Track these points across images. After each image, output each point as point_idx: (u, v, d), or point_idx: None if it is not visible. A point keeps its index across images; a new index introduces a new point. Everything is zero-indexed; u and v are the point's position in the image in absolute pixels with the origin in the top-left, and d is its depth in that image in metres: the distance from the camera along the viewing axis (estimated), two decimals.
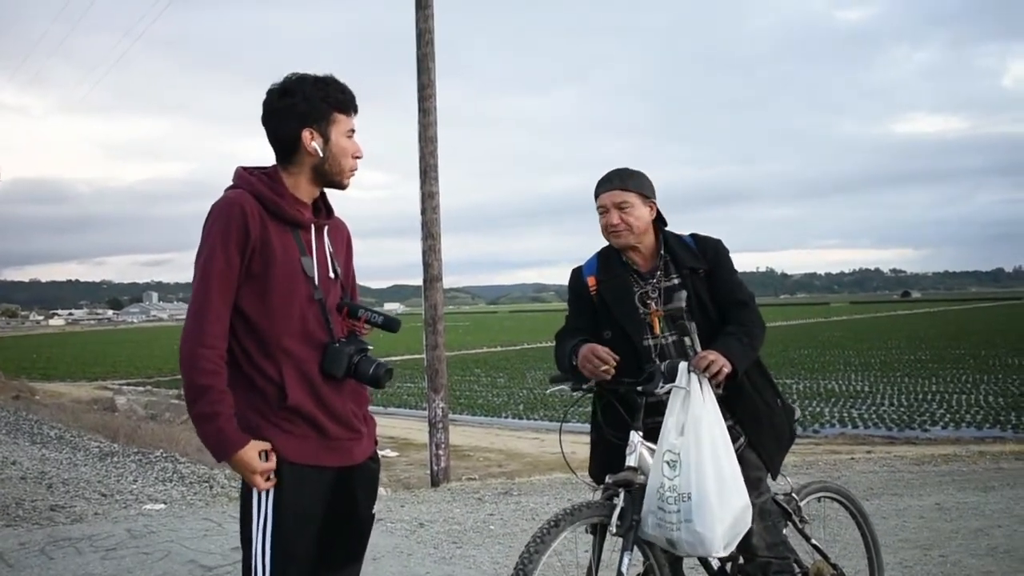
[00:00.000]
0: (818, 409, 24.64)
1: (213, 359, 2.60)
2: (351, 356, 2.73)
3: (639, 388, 3.18)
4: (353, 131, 2.82)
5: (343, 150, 2.78)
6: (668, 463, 3.01)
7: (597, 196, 3.43)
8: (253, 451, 2.59)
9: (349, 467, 2.82)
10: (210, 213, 2.69)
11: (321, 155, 2.76)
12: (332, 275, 2.84)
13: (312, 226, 2.80)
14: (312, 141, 2.74)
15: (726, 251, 3.49)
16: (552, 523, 2.95)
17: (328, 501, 2.77)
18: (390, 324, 2.88)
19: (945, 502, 6.98)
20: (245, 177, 2.76)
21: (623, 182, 3.38)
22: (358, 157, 2.84)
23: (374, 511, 2.97)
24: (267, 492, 2.64)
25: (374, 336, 2.90)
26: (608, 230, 3.40)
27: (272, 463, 2.63)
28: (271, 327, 2.68)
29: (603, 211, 3.39)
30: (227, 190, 2.76)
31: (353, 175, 2.86)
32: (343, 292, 2.90)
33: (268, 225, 2.68)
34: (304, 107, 2.74)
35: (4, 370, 39.82)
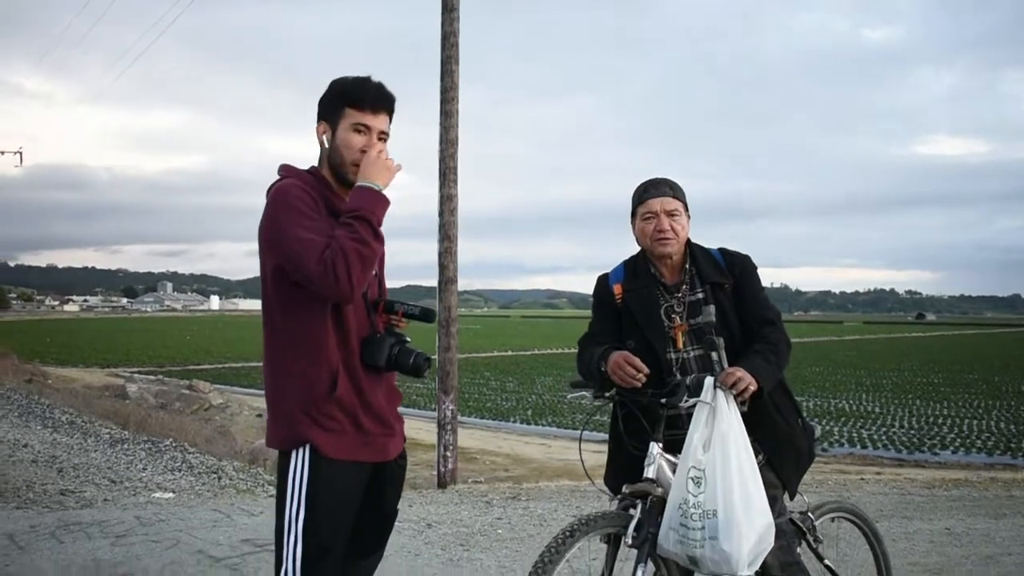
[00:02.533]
0: (828, 428, 24.49)
1: (328, 248, 2.58)
2: (392, 346, 2.79)
3: (663, 400, 3.17)
4: (365, 126, 2.81)
5: (345, 143, 2.82)
6: (693, 479, 2.98)
7: (642, 201, 3.38)
8: (386, 168, 2.77)
9: (382, 463, 2.87)
10: (279, 192, 2.73)
11: (326, 146, 2.84)
12: (372, 272, 2.88)
13: None
14: (322, 134, 2.84)
15: (754, 267, 3.47)
16: (568, 532, 2.94)
17: (361, 495, 2.82)
18: (427, 315, 2.96)
19: (955, 527, 6.93)
20: (295, 170, 2.85)
21: (673, 190, 3.37)
22: (364, 151, 2.83)
23: (398, 507, 3.05)
24: (301, 485, 2.69)
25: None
26: (655, 237, 3.35)
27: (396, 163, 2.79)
28: (321, 320, 2.71)
29: (650, 216, 3.35)
30: (278, 181, 2.82)
31: (357, 170, 2.85)
32: (379, 288, 2.96)
33: (328, 214, 2.74)
34: (323, 103, 2.85)
35: (18, 353, 40.02)
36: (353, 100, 2.81)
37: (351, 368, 2.75)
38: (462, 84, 10.13)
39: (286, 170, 2.85)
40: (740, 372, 3.08)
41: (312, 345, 2.70)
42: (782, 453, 3.34)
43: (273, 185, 2.80)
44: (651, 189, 3.38)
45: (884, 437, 23.67)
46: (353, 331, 2.76)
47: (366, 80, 2.84)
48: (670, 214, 3.34)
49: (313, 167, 2.88)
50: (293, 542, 2.67)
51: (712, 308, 3.27)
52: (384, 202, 2.72)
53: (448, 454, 9.82)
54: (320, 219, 2.68)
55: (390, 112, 2.88)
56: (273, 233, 2.68)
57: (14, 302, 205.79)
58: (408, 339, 2.86)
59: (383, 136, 2.86)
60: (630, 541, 3.03)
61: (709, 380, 3.09)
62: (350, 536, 2.81)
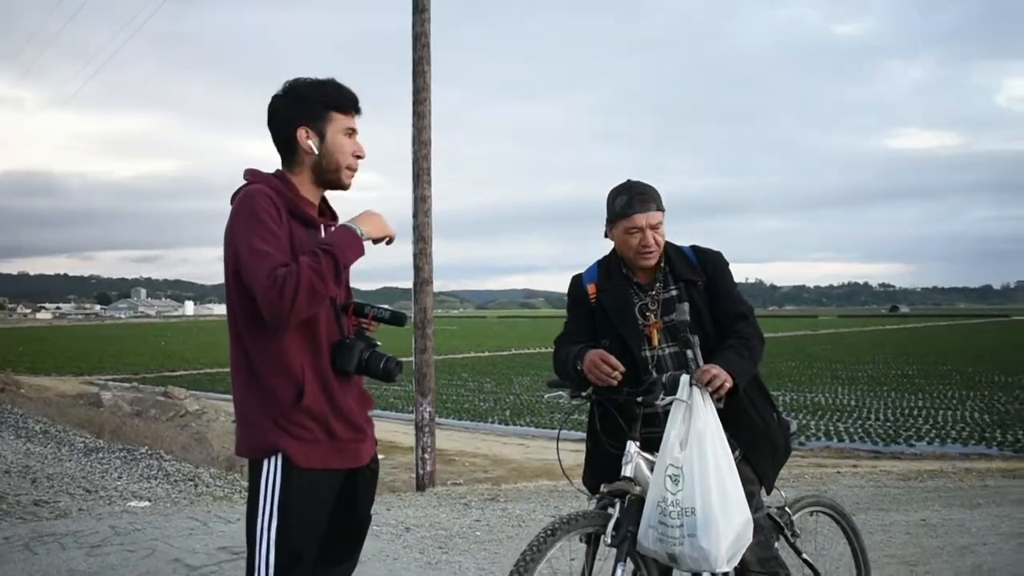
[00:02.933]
0: (804, 422, 24.68)
1: (287, 263, 2.56)
2: (361, 351, 2.76)
3: (639, 399, 3.17)
4: (353, 130, 2.83)
5: (339, 147, 2.80)
6: (671, 477, 2.98)
7: (627, 216, 3.32)
8: (371, 217, 2.75)
9: (355, 469, 2.84)
10: (244, 198, 2.68)
11: (316, 152, 2.78)
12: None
13: (321, 227, 2.82)
14: (308, 139, 2.77)
15: (726, 264, 3.47)
16: (548, 531, 2.94)
17: (334, 502, 2.79)
18: (397, 318, 2.91)
19: (931, 518, 6.98)
20: (261, 175, 2.79)
21: (656, 201, 3.34)
22: (359, 156, 2.85)
23: (371, 512, 3.00)
24: (274, 493, 2.65)
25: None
26: (639, 251, 3.34)
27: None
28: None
29: (636, 231, 3.31)
30: (241, 188, 2.76)
31: (353, 175, 2.87)
32: (347, 292, 2.92)
33: (290, 221, 2.70)
34: (299, 106, 2.78)
35: None
36: (338, 104, 2.80)
37: (321, 374, 2.71)
38: (435, 85, 10.11)
39: (252, 175, 2.80)
40: (715, 369, 3.08)
41: (276, 353, 2.65)
42: (758, 448, 3.35)
43: (239, 190, 2.76)
44: (636, 204, 3.31)
45: (860, 430, 23.89)
46: (322, 336, 2.72)
47: (340, 84, 2.83)
48: (654, 228, 3.33)
49: (279, 171, 2.83)
50: (265, 551, 2.64)
51: (686, 306, 3.26)
52: (359, 248, 2.69)
53: (426, 456, 9.79)
54: (281, 232, 2.63)
55: (360, 113, 2.90)
56: (233, 240, 2.64)
57: None
58: (378, 343, 2.82)
59: (357, 135, 2.88)
60: (609, 540, 3.03)
61: (685, 378, 3.09)
62: (323, 543, 2.79)
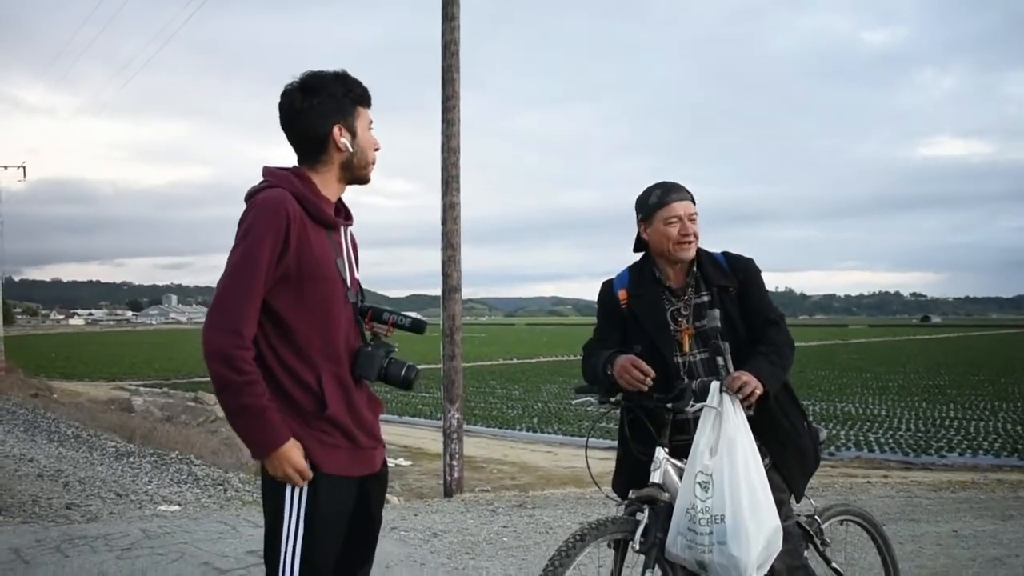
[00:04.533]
0: (834, 432, 24.46)
1: (251, 360, 2.54)
2: (382, 359, 2.73)
3: (669, 405, 3.16)
4: (372, 123, 2.84)
5: (368, 143, 2.81)
6: (700, 484, 2.97)
7: (664, 204, 3.35)
8: (296, 447, 2.57)
9: (369, 475, 2.82)
10: (250, 211, 2.62)
11: (351, 150, 2.76)
12: (356, 276, 2.85)
13: (341, 228, 2.81)
14: (341, 137, 2.74)
15: (758, 270, 3.46)
16: (577, 537, 2.93)
17: (352, 510, 2.77)
18: (418, 326, 2.87)
19: (962, 529, 6.91)
20: (284, 176, 2.72)
21: (690, 194, 3.39)
22: (377, 149, 2.85)
23: (382, 515, 2.97)
24: (299, 502, 2.61)
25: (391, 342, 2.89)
26: (679, 240, 3.34)
27: (310, 471, 2.60)
28: (308, 332, 2.65)
29: (674, 221, 3.33)
30: (264, 188, 2.70)
31: (373, 168, 2.86)
32: (360, 295, 2.88)
33: (307, 227, 2.65)
34: (331, 104, 2.73)
35: (23, 368, 40.09)
36: (363, 99, 2.80)
37: (342, 383, 2.68)
38: (463, 92, 10.14)
39: (271, 174, 2.74)
40: (746, 376, 3.07)
41: (294, 363, 2.63)
42: (788, 456, 3.33)
43: (257, 190, 2.70)
44: (672, 193, 3.36)
45: (891, 440, 23.64)
46: (341, 344, 2.69)
47: (356, 77, 2.81)
48: (691, 218, 3.35)
49: (296, 167, 2.77)
50: (290, 560, 2.60)
51: (717, 312, 3.26)
52: (253, 446, 2.59)
53: (454, 463, 9.81)
54: (271, 258, 2.56)
55: None
56: (233, 256, 2.60)
57: (19, 317, 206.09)
58: (396, 349, 2.79)
59: None
60: (637, 546, 3.02)
61: (715, 385, 3.07)
62: (342, 551, 2.75)
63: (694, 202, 3.39)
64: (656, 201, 3.37)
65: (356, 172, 2.81)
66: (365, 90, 2.82)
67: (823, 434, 3.58)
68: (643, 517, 3.05)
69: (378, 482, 2.89)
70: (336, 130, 2.73)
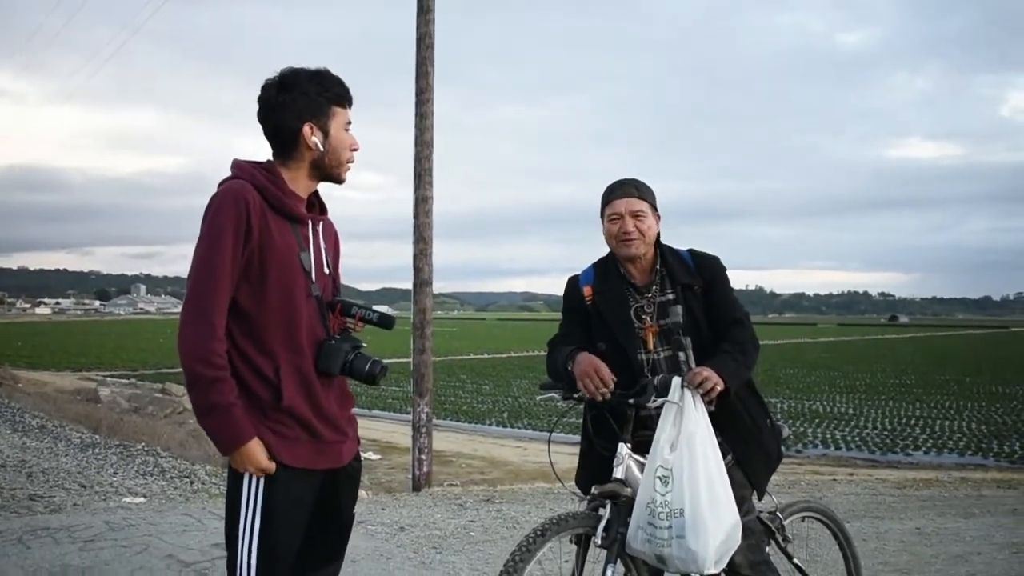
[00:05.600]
0: (801, 429, 24.66)
1: (223, 353, 2.57)
2: (346, 353, 2.73)
3: (631, 401, 3.17)
4: (350, 123, 2.83)
5: (342, 143, 2.79)
6: (660, 478, 2.98)
7: (608, 203, 3.38)
8: (259, 445, 2.59)
9: (335, 469, 2.81)
10: (212, 203, 2.64)
11: (322, 149, 2.76)
12: (326, 271, 2.84)
13: (309, 222, 2.79)
14: (312, 136, 2.74)
15: (723, 269, 3.47)
16: (538, 532, 2.94)
17: (314, 503, 2.76)
18: (385, 321, 2.88)
19: (926, 527, 6.99)
20: (247, 169, 2.73)
21: (638, 190, 3.37)
22: (355, 149, 2.85)
23: (354, 512, 2.97)
24: (257, 494, 2.62)
25: (361, 337, 2.89)
26: (620, 238, 3.35)
27: (273, 465, 2.62)
28: (269, 323, 2.65)
29: (615, 218, 3.35)
30: (226, 180, 2.73)
31: (350, 168, 2.86)
32: (333, 288, 2.89)
33: (269, 219, 2.66)
34: (303, 102, 2.74)
35: None
36: (339, 99, 2.79)
37: (301, 374, 2.68)
38: (438, 86, 10.11)
39: (238, 168, 2.74)
40: (707, 372, 3.08)
41: (251, 353, 2.64)
42: (750, 453, 3.35)
43: (222, 183, 2.72)
44: (616, 190, 3.38)
45: (857, 438, 23.84)
46: (303, 336, 2.69)
47: (334, 75, 2.80)
48: (635, 215, 3.33)
49: (269, 161, 2.79)
50: (247, 550, 2.61)
51: (679, 308, 3.27)
52: (220, 442, 2.61)
53: (423, 457, 9.79)
54: (236, 248, 2.58)
55: None
56: (198, 251, 2.62)
57: None
58: (363, 344, 2.79)
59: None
60: (599, 541, 3.03)
61: (676, 380, 3.09)
62: (307, 545, 2.76)
63: (644, 198, 3.36)
64: (603, 199, 3.42)
65: (327, 171, 2.81)
66: (344, 90, 2.81)
67: (786, 431, 3.61)
68: (605, 512, 3.07)
69: (347, 476, 2.88)
70: (307, 128, 2.74)
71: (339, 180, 2.86)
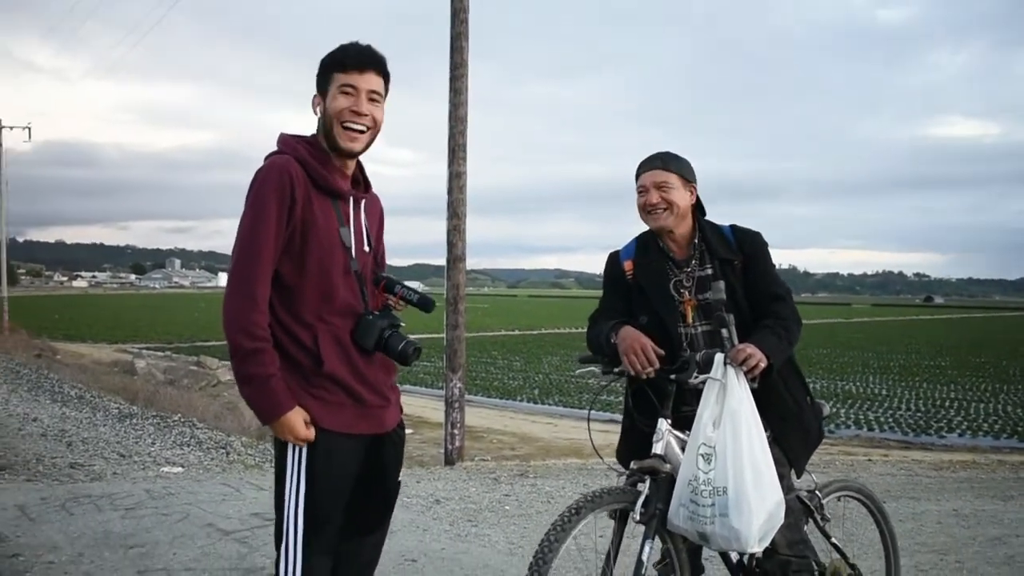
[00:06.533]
0: (835, 410, 24.51)
1: (265, 324, 2.61)
2: (383, 330, 2.75)
3: (672, 376, 3.15)
4: (352, 86, 2.73)
5: (332, 105, 2.74)
6: (703, 456, 2.96)
7: (638, 176, 3.37)
8: (299, 415, 2.63)
9: (380, 435, 2.85)
10: (256, 177, 2.68)
11: (318, 116, 2.78)
12: (367, 248, 2.84)
13: (351, 198, 2.81)
14: (316, 105, 2.79)
15: (764, 244, 3.43)
16: (575, 508, 2.92)
17: (359, 468, 2.80)
18: (425, 303, 2.89)
19: (963, 508, 6.94)
20: (291, 143, 2.76)
21: (664, 163, 3.33)
22: (356, 112, 2.73)
23: (399, 479, 3.01)
24: (300, 459, 2.67)
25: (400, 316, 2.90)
26: (646, 209, 3.34)
27: (313, 433, 2.65)
28: (307, 296, 2.69)
29: (642, 191, 3.34)
30: (272, 155, 2.76)
31: (353, 136, 2.76)
32: (376, 266, 2.91)
33: (311, 194, 2.69)
34: (318, 75, 2.79)
35: (27, 329, 40.23)
36: (338, 64, 2.74)
37: (340, 342, 2.72)
38: (472, 61, 10.08)
39: (283, 142, 2.78)
40: (751, 348, 3.05)
41: (289, 322, 2.68)
42: (789, 431, 3.32)
43: (268, 157, 2.77)
44: (645, 164, 3.37)
45: (891, 419, 23.70)
46: (342, 307, 2.72)
47: (350, 44, 2.77)
48: (659, 187, 3.30)
49: (313, 135, 2.81)
50: (293, 515, 2.66)
51: (721, 284, 3.25)
52: (260, 411, 2.64)
53: (455, 432, 9.84)
54: (280, 218, 2.62)
55: (381, 72, 2.78)
56: (243, 224, 2.66)
57: (23, 278, 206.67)
58: (402, 323, 2.81)
59: (374, 96, 2.76)
60: (638, 517, 3.01)
61: (719, 357, 3.06)
62: (353, 511, 2.80)
63: (670, 169, 3.32)
64: (635, 174, 3.40)
65: (329, 140, 2.77)
66: (345, 54, 2.75)
67: (826, 409, 3.58)
68: (644, 488, 3.05)
69: (392, 443, 2.92)
70: (315, 99, 2.79)
71: (338, 147, 2.76)
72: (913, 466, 9.78)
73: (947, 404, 26.69)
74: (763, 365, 3.05)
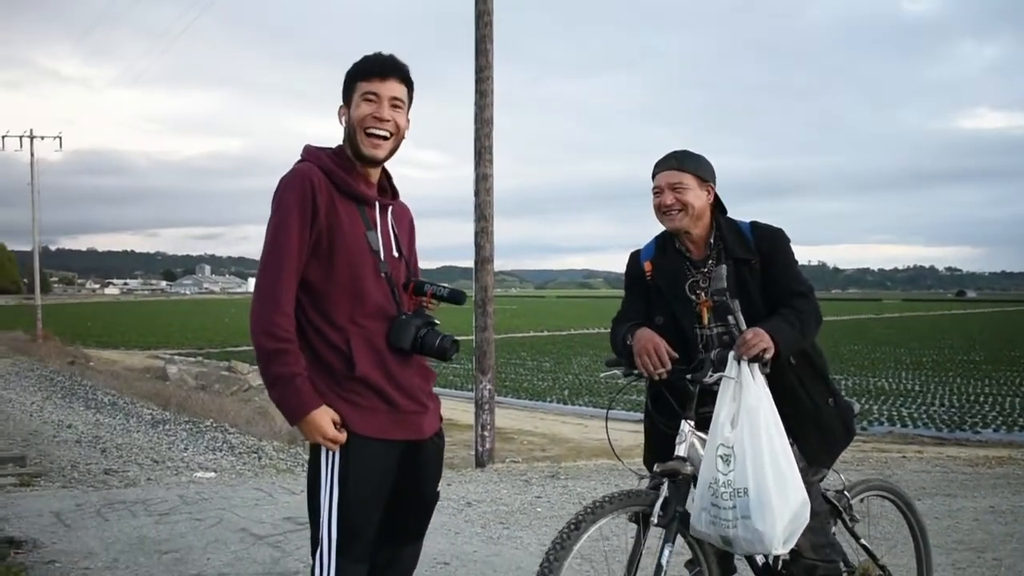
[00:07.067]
0: (867, 406, 24.27)
1: (288, 327, 2.63)
2: (418, 328, 2.75)
3: (688, 376, 3.10)
4: (374, 94, 2.75)
5: (355, 113, 2.77)
6: (722, 457, 2.88)
7: (654, 176, 3.32)
8: (326, 415, 2.63)
9: (417, 442, 2.84)
10: (280, 185, 2.72)
11: (343, 125, 2.82)
12: (395, 253, 2.85)
13: (376, 204, 2.83)
14: (342, 115, 2.83)
15: (786, 240, 3.33)
16: (590, 509, 2.87)
17: (395, 476, 2.79)
18: (456, 296, 2.91)
19: (1000, 505, 6.86)
20: (314, 153, 2.81)
21: (680, 163, 3.28)
22: (379, 117, 2.75)
23: (438, 489, 3.00)
24: (334, 465, 2.67)
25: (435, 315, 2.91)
26: (661, 210, 3.29)
27: (343, 435, 2.66)
28: (338, 299, 2.70)
29: (657, 192, 3.29)
30: (296, 164, 2.80)
31: (376, 142, 2.78)
32: (408, 272, 2.92)
33: (335, 199, 2.72)
34: (343, 86, 2.82)
35: (60, 336, 40.72)
36: (360, 73, 2.78)
37: (376, 347, 2.72)
38: (497, 63, 10.11)
39: (307, 152, 2.81)
40: (753, 334, 2.98)
41: (322, 325, 2.71)
42: (807, 432, 3.22)
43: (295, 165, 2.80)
44: (660, 164, 3.32)
45: (924, 415, 23.45)
46: (373, 310, 2.74)
47: (373, 54, 2.81)
48: (674, 188, 3.24)
49: (339, 146, 2.84)
50: (327, 521, 2.66)
51: (724, 270, 3.19)
52: (287, 410, 2.65)
53: (486, 433, 9.86)
54: (303, 226, 2.66)
55: (403, 80, 2.80)
56: (268, 231, 2.71)
57: (56, 285, 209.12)
58: (437, 321, 2.81)
59: (396, 103, 2.78)
60: (656, 520, 2.95)
61: (731, 354, 3.00)
62: (391, 519, 2.80)
63: (685, 169, 3.26)
64: (652, 173, 3.36)
65: (352, 145, 2.80)
66: (368, 63, 2.79)
67: (856, 407, 3.50)
68: (663, 490, 2.99)
69: (430, 451, 2.91)
70: (340, 111, 2.84)
71: (361, 155, 2.78)
72: (948, 462, 9.67)
73: (981, 399, 26.37)
74: (770, 350, 2.97)
